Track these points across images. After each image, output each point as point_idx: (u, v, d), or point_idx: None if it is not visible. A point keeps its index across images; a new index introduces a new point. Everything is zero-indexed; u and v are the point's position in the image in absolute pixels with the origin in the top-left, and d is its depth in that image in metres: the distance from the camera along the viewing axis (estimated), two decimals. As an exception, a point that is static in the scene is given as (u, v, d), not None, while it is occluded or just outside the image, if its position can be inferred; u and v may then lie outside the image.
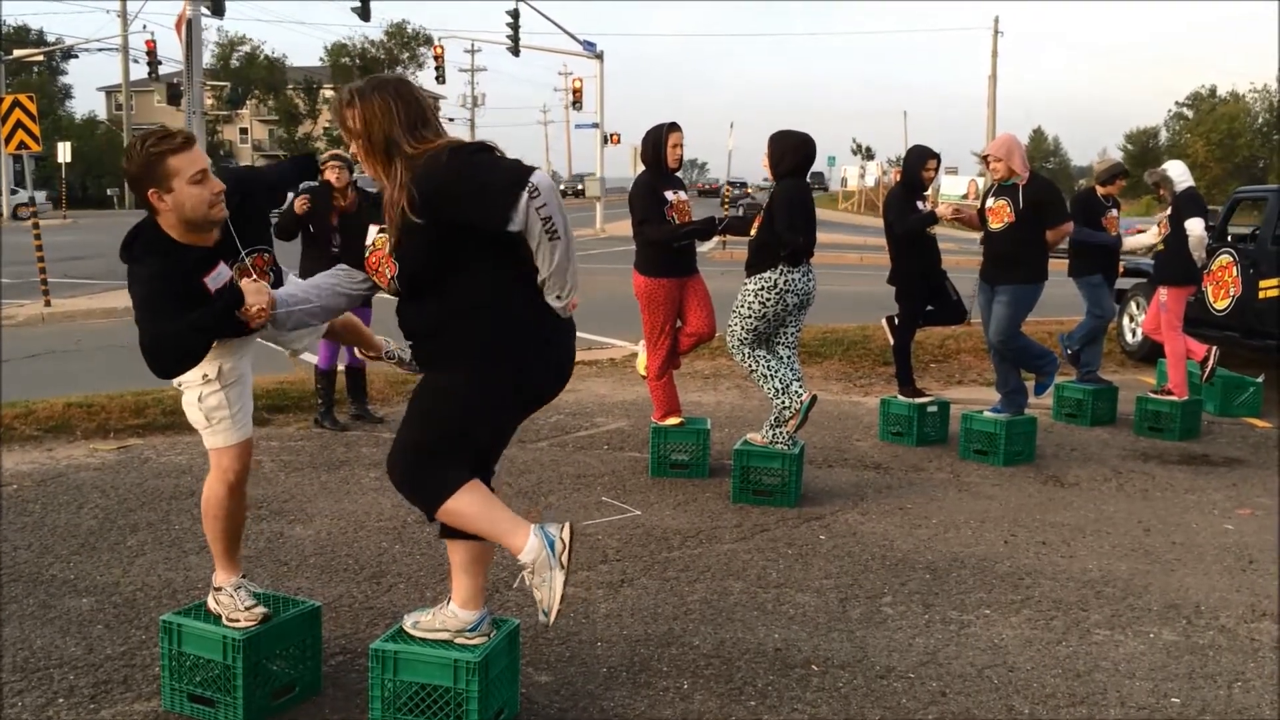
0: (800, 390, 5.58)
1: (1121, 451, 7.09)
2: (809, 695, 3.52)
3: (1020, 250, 6.60)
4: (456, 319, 2.92)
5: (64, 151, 35.19)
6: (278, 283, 3.44)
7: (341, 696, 3.47)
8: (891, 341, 7.33)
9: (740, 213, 6.59)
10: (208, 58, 48.00)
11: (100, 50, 54.19)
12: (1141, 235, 8.54)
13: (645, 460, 6.45)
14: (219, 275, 3.25)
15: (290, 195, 7.02)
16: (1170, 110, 61.18)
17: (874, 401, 8.08)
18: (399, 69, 56.94)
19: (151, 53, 33.71)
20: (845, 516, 5.49)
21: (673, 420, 6.18)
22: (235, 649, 3.22)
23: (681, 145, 5.94)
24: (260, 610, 3.35)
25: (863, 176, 52.64)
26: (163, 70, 36.77)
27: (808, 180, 5.70)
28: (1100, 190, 8.13)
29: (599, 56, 32.91)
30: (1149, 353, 9.86)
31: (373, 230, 3.03)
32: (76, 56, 52.06)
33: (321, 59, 57.31)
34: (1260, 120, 54.60)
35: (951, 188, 37.88)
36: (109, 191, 51.47)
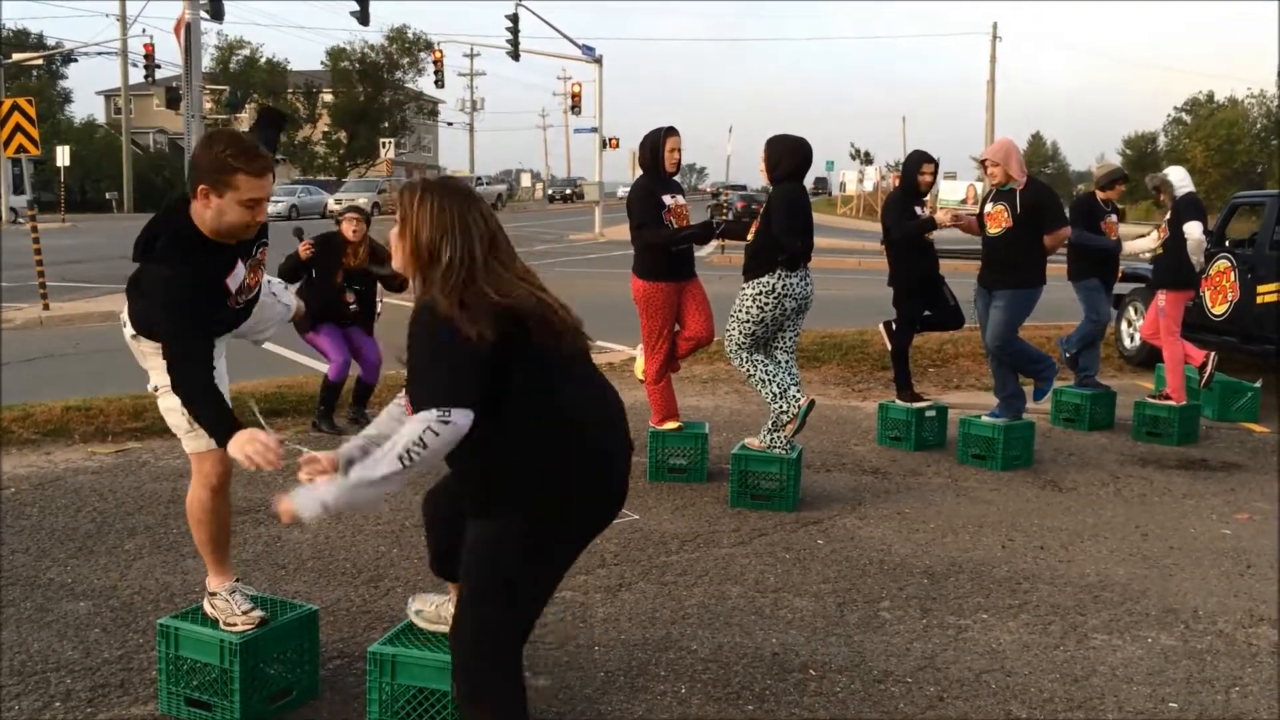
0: (798, 395, 5.58)
1: (1119, 456, 7.10)
2: (806, 700, 3.52)
3: (1018, 255, 6.61)
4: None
5: (63, 155, 35.20)
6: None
7: (339, 700, 3.47)
8: (889, 346, 7.34)
9: (722, 216, 6.59)
10: (207, 61, 48.02)
11: (99, 54, 54.28)
12: (1141, 240, 8.56)
13: (643, 464, 6.44)
14: (237, 275, 3.31)
15: (296, 241, 7.05)
16: (1169, 115, 61.29)
17: (872, 406, 8.08)
18: (399, 74, 57.01)
19: (150, 56, 33.74)
20: (843, 521, 5.49)
21: (671, 425, 6.18)
22: (233, 652, 3.22)
23: (680, 149, 5.94)
24: (257, 614, 3.35)
25: (861, 181, 52.72)
26: (161, 74, 36.80)
27: (804, 185, 5.70)
28: (1100, 195, 8.14)
29: (598, 61, 32.95)
30: (1147, 357, 9.86)
31: None
32: (76, 60, 52.20)
33: (322, 63, 57.34)
34: (1258, 126, 54.70)
35: (950, 192, 37.91)
36: (108, 195, 51.42)
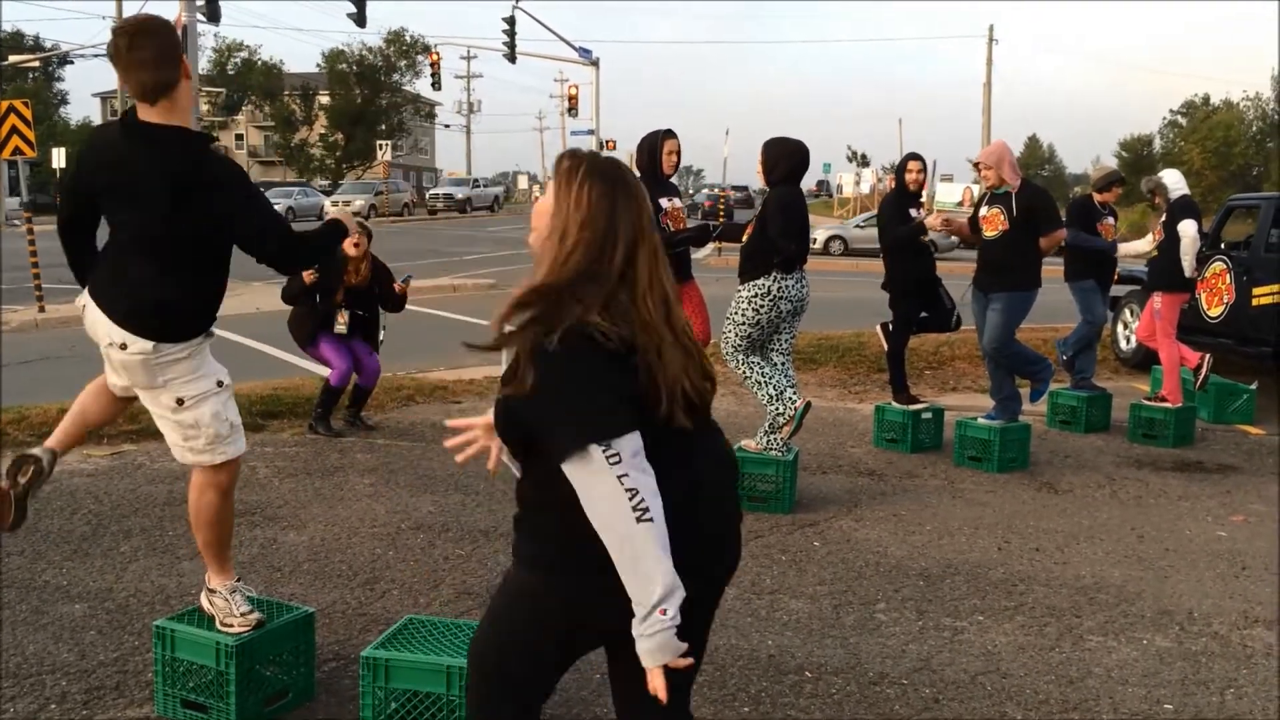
0: (794, 396, 5.59)
1: (1115, 458, 7.10)
2: (802, 702, 3.52)
3: (1013, 257, 6.62)
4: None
5: (59, 157, 35.11)
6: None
7: (335, 703, 3.47)
8: (886, 347, 7.35)
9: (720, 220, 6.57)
10: (204, 64, 48.00)
11: (95, 56, 54.16)
12: (1137, 242, 8.58)
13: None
14: None
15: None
16: (1165, 118, 61.33)
17: (868, 408, 8.08)
18: (396, 76, 56.95)
19: (147, 58, 33.63)
20: (839, 523, 5.49)
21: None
22: (229, 654, 3.21)
23: (678, 152, 5.95)
24: (255, 616, 3.35)
25: (858, 183, 52.71)
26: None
27: (800, 188, 5.70)
28: (1097, 197, 8.16)
29: (595, 63, 33.00)
30: (1143, 359, 9.88)
31: None
32: (72, 62, 52.16)
33: (319, 65, 57.27)
34: (1254, 129, 54.74)
35: (947, 195, 37.94)
36: (104, 197, 51.31)
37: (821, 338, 11.03)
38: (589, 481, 1.88)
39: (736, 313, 5.66)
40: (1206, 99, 58.42)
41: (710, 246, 7.83)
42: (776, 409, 5.60)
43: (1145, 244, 8.30)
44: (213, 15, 20.76)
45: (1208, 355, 7.88)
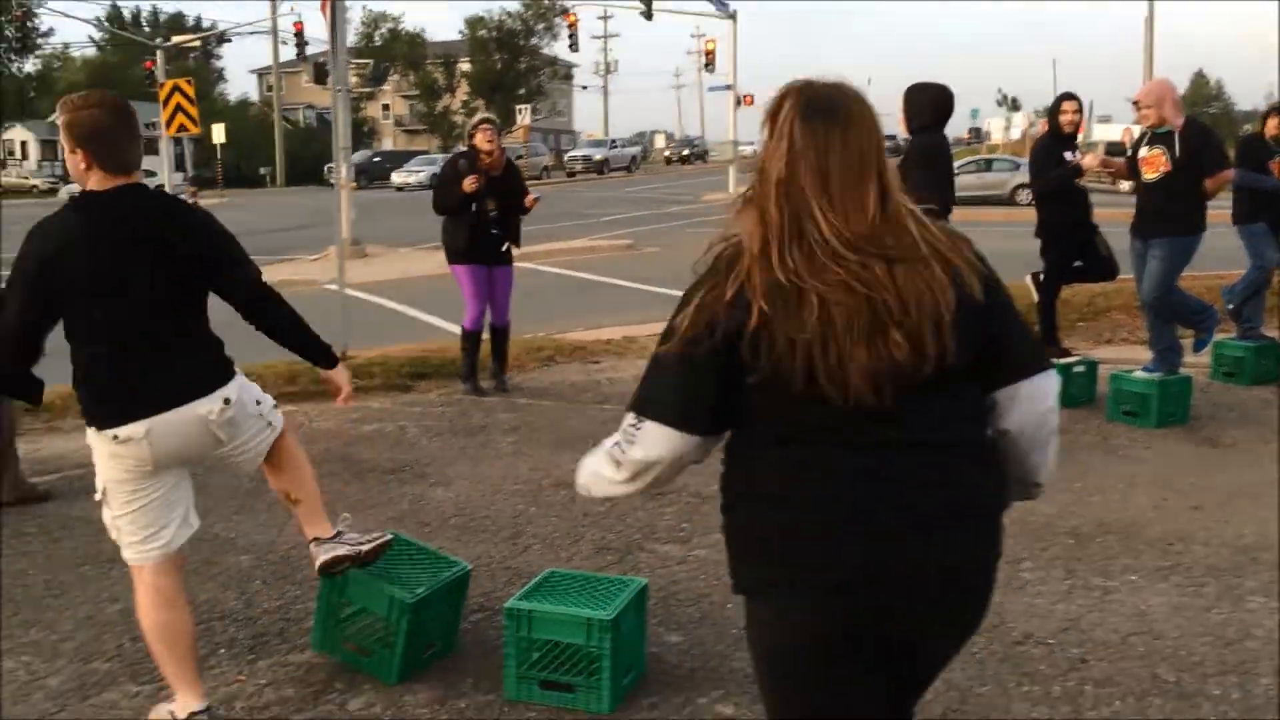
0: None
1: (1286, 412, 6.70)
2: (943, 660, 3.46)
3: (1176, 201, 6.26)
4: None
5: (219, 133, 36.89)
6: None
7: (480, 653, 3.59)
8: (1036, 298, 7.08)
9: None
10: (352, 36, 49.48)
11: (252, 33, 56.49)
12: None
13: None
14: None
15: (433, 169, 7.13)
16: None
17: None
18: (534, 40, 57.55)
19: (300, 34, 34.95)
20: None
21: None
22: (402, 610, 3.33)
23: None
24: None
25: (1008, 129, 50.72)
26: (310, 51, 38.09)
27: (945, 135, 5.52)
28: (1271, 126, 7.63)
29: (732, 17, 32.53)
30: (1319, 307, 9.25)
31: None
32: (230, 40, 54.49)
33: (460, 32, 58.40)
34: None
35: (1104, 136, 36.15)
36: (261, 171, 53.77)
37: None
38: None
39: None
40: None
41: None
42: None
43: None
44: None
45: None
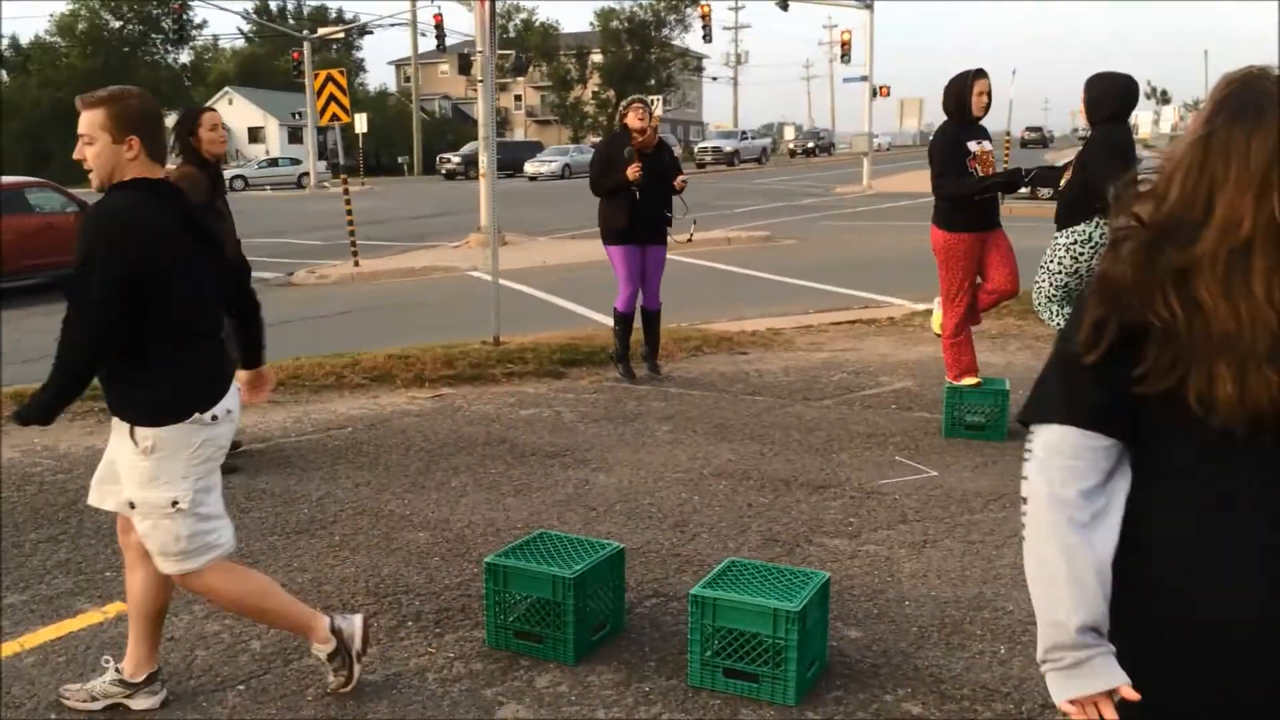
0: (1114, 350, 5.26)
1: None
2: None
3: None
4: None
5: (361, 123, 38.00)
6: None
7: (657, 637, 3.61)
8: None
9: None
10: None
11: (392, 25, 57.90)
12: None
13: (937, 421, 6.29)
14: None
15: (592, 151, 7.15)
16: None
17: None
18: (665, 31, 57.66)
19: (439, 26, 35.74)
20: (1162, 486, 5.14)
21: (969, 380, 5.98)
22: (566, 587, 3.40)
23: (988, 93, 5.69)
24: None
25: (1156, 123, 48.68)
26: (449, 42, 38.96)
27: (1129, 126, 5.32)
28: None
29: (869, 6, 31.99)
30: None
31: None
32: (371, 33, 56.06)
33: (591, 24, 58.93)
34: None
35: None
36: (399, 159, 55.25)
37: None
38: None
39: (1053, 261, 5.38)
40: None
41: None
42: (1093, 363, 5.29)
43: None
44: (500, -19, 21.69)
45: None
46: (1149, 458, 1.56)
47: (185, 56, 59.75)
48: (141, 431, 2.89)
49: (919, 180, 38.23)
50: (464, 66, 25.16)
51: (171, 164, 5.60)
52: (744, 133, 56.03)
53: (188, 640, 3.58)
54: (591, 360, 8.04)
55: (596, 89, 59.00)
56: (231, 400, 3.05)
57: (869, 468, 5.48)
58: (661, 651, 3.51)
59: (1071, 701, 1.54)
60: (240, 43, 65.99)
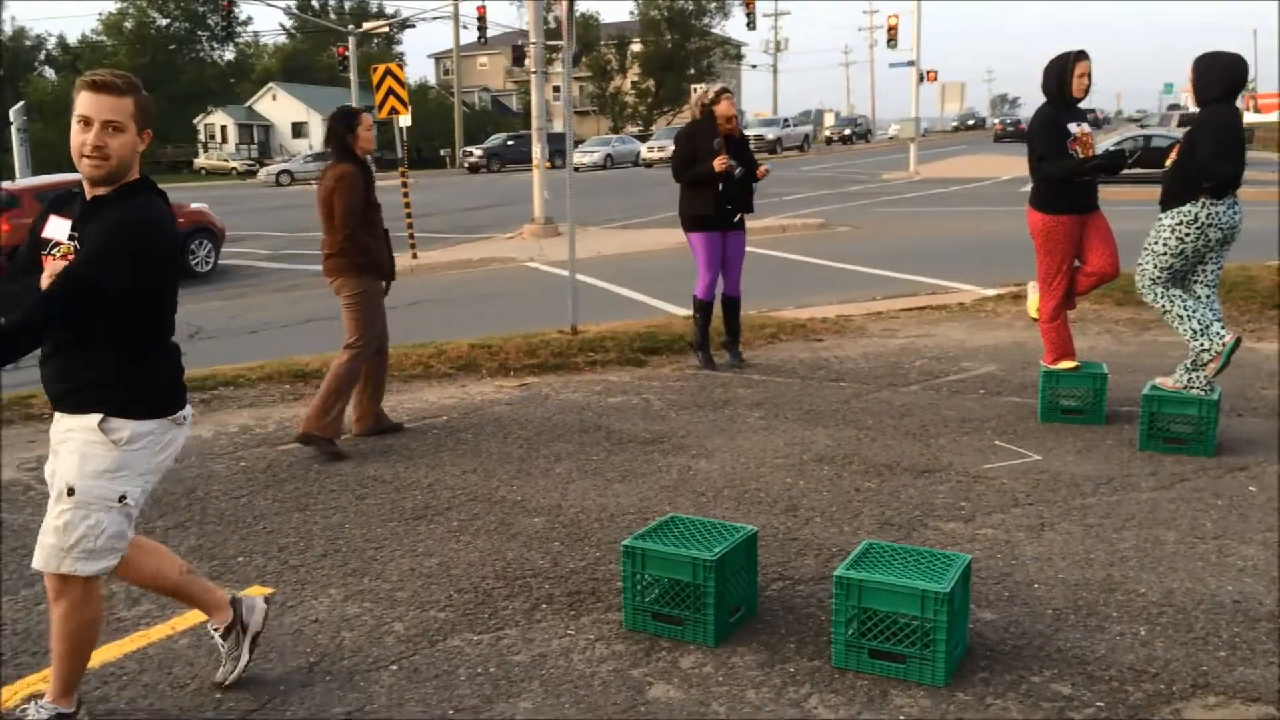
0: (1222, 331, 5.21)
1: None
2: (1286, 651, 3.32)
3: None
4: None
5: (405, 116, 38.23)
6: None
7: (794, 619, 3.63)
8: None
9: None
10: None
11: (434, 19, 58.14)
12: None
13: (1029, 405, 6.26)
14: (56, 225, 2.90)
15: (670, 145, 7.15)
16: None
17: (1270, 347, 7.42)
18: (705, 19, 57.46)
19: (482, 19, 35.83)
20: (1273, 468, 5.09)
21: (1066, 364, 5.94)
22: (707, 569, 3.43)
23: (1089, 75, 5.63)
24: None
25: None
26: (490, 34, 39.01)
27: (1237, 106, 5.25)
28: None
29: (916, -10, 31.69)
30: None
31: None
32: (414, 26, 56.36)
33: (631, 13, 58.83)
34: None
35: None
36: (441, 152, 55.49)
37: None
38: None
39: (1157, 242, 5.33)
40: None
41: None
42: (1201, 344, 5.25)
43: None
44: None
45: None
46: None
47: (230, 53, 60.38)
48: (116, 422, 2.83)
49: (966, 165, 37.97)
50: (518, 58, 25.20)
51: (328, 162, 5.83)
52: (786, 120, 55.72)
53: (332, 622, 3.65)
54: (671, 348, 8.07)
55: (636, 79, 58.90)
56: (188, 407, 3.05)
57: (969, 452, 5.46)
58: (799, 633, 3.53)
59: None
60: (282, 39, 66.61)
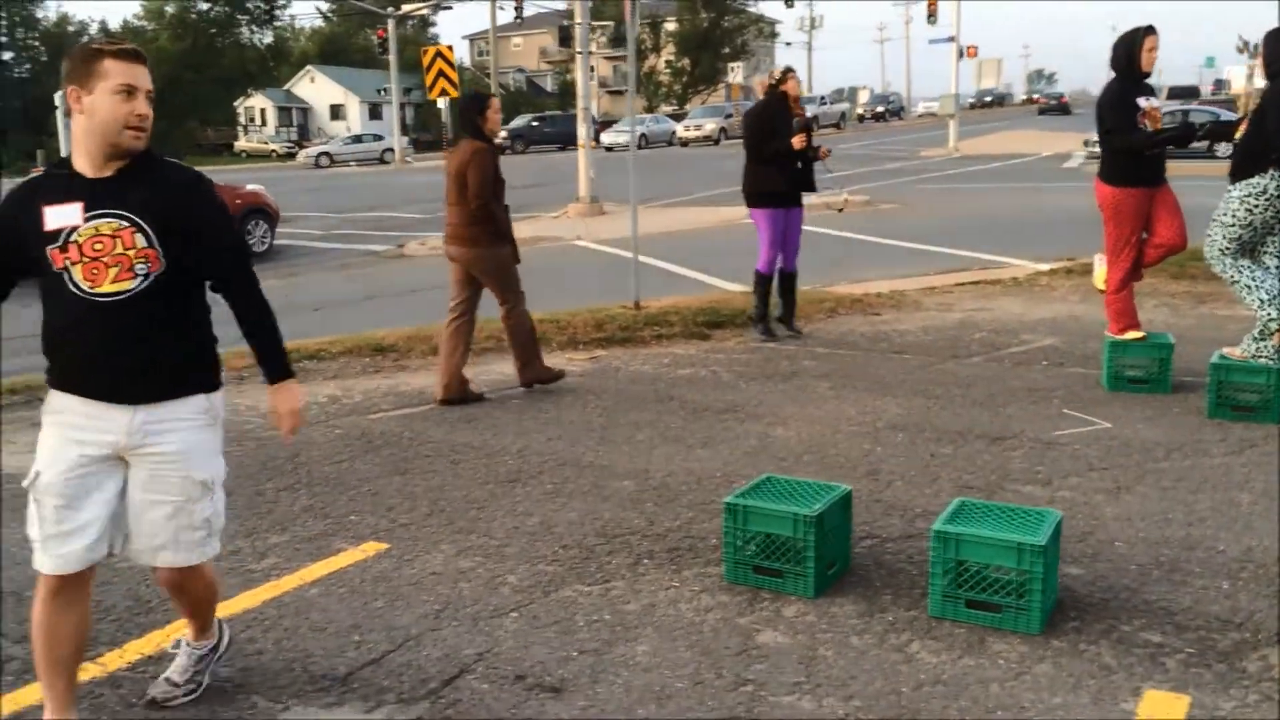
0: (1291, 302, 5.31)
1: None
2: (1367, 603, 3.46)
3: None
4: None
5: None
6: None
7: (886, 574, 3.81)
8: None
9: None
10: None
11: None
12: None
13: (1092, 376, 6.39)
14: (62, 213, 2.63)
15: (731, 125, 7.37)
16: None
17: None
18: (740, -2, 57.22)
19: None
20: (1342, 435, 5.20)
21: (1133, 334, 6.06)
22: (808, 524, 3.61)
23: (1157, 49, 5.73)
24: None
25: (1250, 78, 47.11)
26: (527, 14, 39.11)
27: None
28: None
29: (955, -34, 31.45)
30: None
31: None
32: (450, 8, 56.53)
33: (665, -8, 58.69)
34: None
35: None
36: (476, 133, 55.57)
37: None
38: None
39: (1226, 214, 5.43)
40: None
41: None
42: (1269, 314, 5.35)
43: None
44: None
45: None
46: None
47: (269, 37, 60.90)
48: (215, 398, 2.83)
49: (1007, 141, 37.71)
50: (564, 39, 25.33)
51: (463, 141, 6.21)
52: (823, 97, 55.48)
53: (449, 574, 3.86)
54: (733, 322, 8.24)
55: (670, 58, 58.81)
56: None
57: (1039, 420, 5.60)
58: (894, 586, 3.71)
59: None
60: (319, 22, 67.03)
